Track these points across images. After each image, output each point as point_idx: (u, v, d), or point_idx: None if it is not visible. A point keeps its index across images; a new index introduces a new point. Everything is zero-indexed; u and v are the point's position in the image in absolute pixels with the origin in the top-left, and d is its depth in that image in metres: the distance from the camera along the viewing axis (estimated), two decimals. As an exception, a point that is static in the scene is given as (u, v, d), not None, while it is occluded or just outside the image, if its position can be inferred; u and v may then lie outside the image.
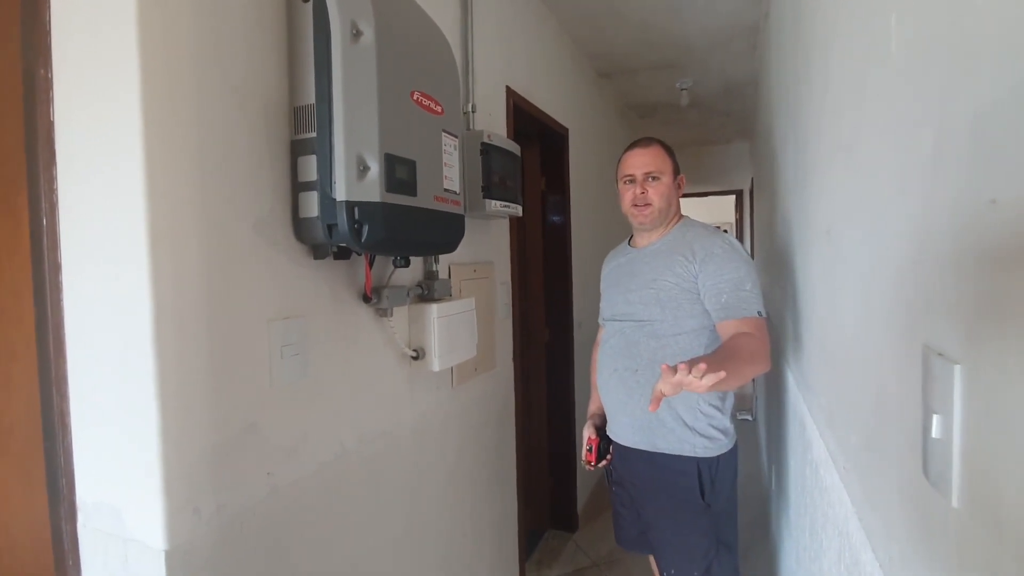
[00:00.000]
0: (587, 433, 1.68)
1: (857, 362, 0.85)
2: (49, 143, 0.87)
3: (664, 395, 1.00)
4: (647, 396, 1.46)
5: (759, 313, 1.35)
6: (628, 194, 1.54)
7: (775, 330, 2.20)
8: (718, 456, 1.44)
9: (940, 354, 0.48)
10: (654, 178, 1.50)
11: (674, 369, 0.96)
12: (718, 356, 1.18)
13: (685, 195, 7.56)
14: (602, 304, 1.68)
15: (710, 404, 1.45)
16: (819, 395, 1.22)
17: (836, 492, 0.96)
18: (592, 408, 1.75)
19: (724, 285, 1.37)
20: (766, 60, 2.68)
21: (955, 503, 0.45)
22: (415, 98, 1.10)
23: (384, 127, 1.00)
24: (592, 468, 1.66)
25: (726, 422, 1.47)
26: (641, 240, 1.59)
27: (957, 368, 0.44)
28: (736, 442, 1.49)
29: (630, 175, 1.53)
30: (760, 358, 1.28)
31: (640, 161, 1.52)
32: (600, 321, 1.70)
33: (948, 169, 0.49)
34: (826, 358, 1.13)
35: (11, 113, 0.88)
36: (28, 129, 0.88)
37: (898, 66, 0.64)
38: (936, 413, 0.47)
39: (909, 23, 0.60)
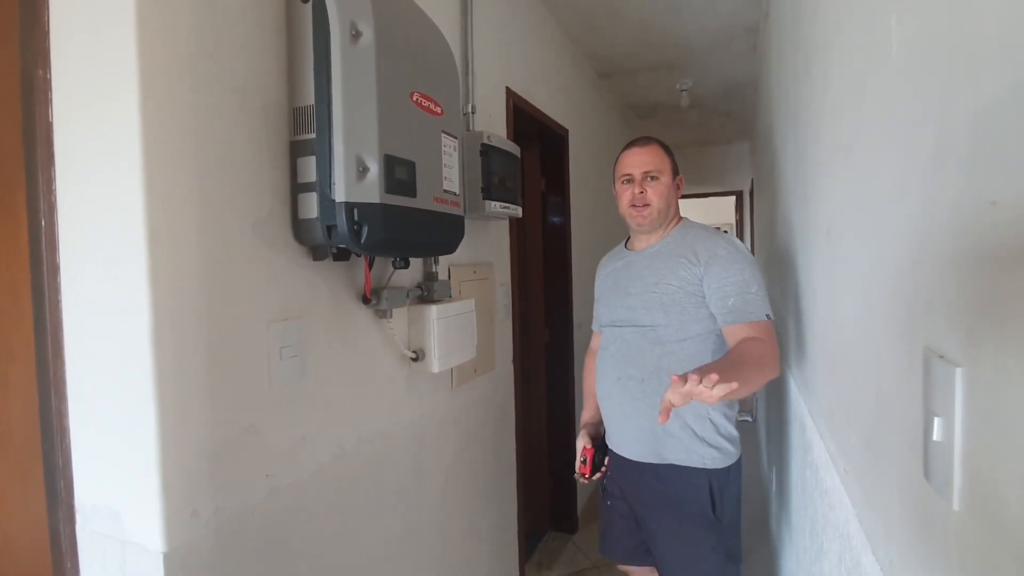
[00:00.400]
0: (581, 443, 1.59)
1: (857, 363, 0.84)
2: (48, 144, 0.87)
3: (673, 406, 0.97)
4: (653, 406, 1.40)
5: (767, 316, 1.31)
6: (626, 194, 1.47)
7: (777, 332, 2.20)
8: (727, 467, 1.40)
9: (941, 356, 0.47)
10: (653, 178, 1.45)
11: (684, 378, 0.93)
12: (727, 364, 1.15)
13: (685, 196, 7.53)
14: (599, 310, 1.62)
15: (719, 412, 1.41)
16: (819, 396, 1.21)
17: (837, 494, 0.96)
18: (586, 417, 1.67)
19: (730, 288, 1.32)
20: (766, 61, 2.68)
21: (956, 506, 0.45)
22: (414, 99, 1.10)
23: (383, 128, 1.00)
24: (587, 481, 1.56)
25: (733, 430, 1.43)
26: (639, 243, 1.53)
27: (958, 371, 0.44)
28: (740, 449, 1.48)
29: (628, 175, 1.48)
30: (769, 364, 1.24)
31: (638, 160, 1.47)
32: (596, 327, 1.65)
33: (948, 170, 0.49)
34: (826, 359, 1.13)
35: (10, 114, 0.88)
36: (27, 130, 0.88)
37: (898, 67, 0.64)
38: (937, 416, 0.47)
39: (909, 24, 0.60)
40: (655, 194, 1.44)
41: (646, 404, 1.43)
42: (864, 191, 0.81)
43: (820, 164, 1.20)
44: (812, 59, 1.31)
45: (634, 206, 1.46)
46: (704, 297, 1.36)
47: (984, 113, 0.42)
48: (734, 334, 1.31)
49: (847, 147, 0.92)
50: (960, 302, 0.47)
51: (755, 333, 1.28)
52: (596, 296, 1.64)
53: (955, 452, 0.44)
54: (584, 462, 1.55)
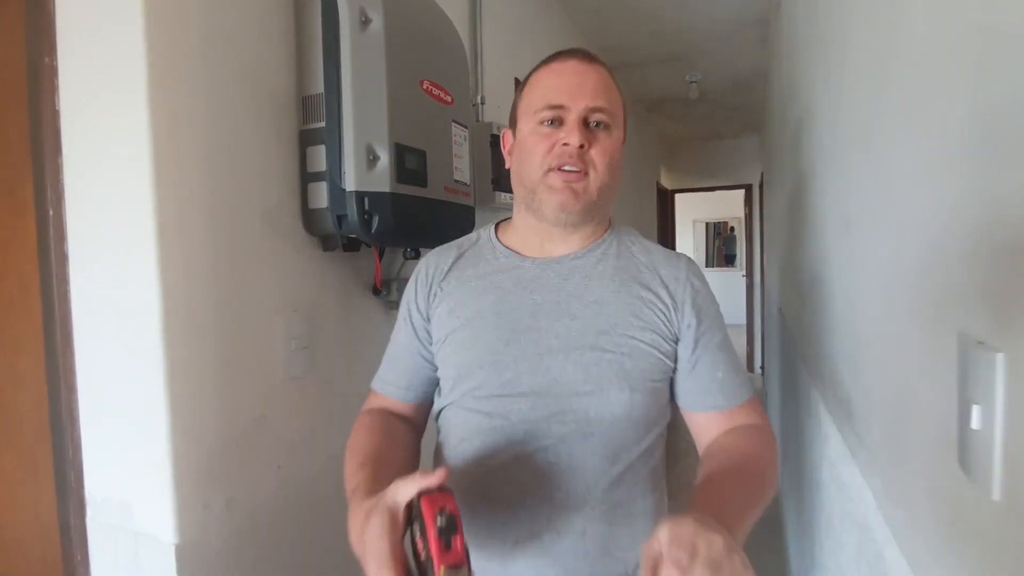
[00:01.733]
0: (400, 496, 0.60)
1: (880, 355, 0.83)
2: (55, 132, 0.86)
3: None
4: None
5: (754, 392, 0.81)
6: (546, 143, 0.74)
7: (789, 328, 2.17)
8: None
9: (980, 342, 0.46)
10: (601, 124, 0.75)
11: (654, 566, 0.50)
12: (739, 502, 0.64)
13: (693, 190, 7.39)
14: (444, 359, 0.79)
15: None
16: (837, 390, 1.19)
17: (856, 487, 0.94)
18: (369, 485, 0.74)
19: (720, 353, 0.77)
20: (777, 51, 2.65)
21: (996, 496, 0.43)
22: (425, 87, 1.08)
23: (394, 116, 0.99)
24: None
25: None
26: (542, 242, 0.80)
27: (999, 356, 0.42)
28: None
29: (557, 107, 0.73)
30: (776, 474, 0.75)
31: (581, 84, 0.74)
32: (396, 393, 0.85)
33: (982, 152, 0.47)
34: (845, 353, 1.11)
35: (16, 102, 0.87)
36: (33, 118, 0.87)
37: (925, 49, 0.62)
38: (976, 403, 0.45)
39: (937, 3, 0.58)
40: (602, 155, 0.74)
41: None
42: (886, 179, 0.79)
43: (836, 154, 1.18)
44: (828, 47, 1.28)
45: (562, 170, 0.73)
46: (673, 362, 0.77)
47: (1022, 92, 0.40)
48: (720, 424, 0.76)
49: (866, 135, 0.90)
50: (998, 287, 0.45)
51: (753, 418, 0.78)
52: (433, 333, 0.81)
53: (995, 441, 0.43)
54: (444, 528, 0.55)
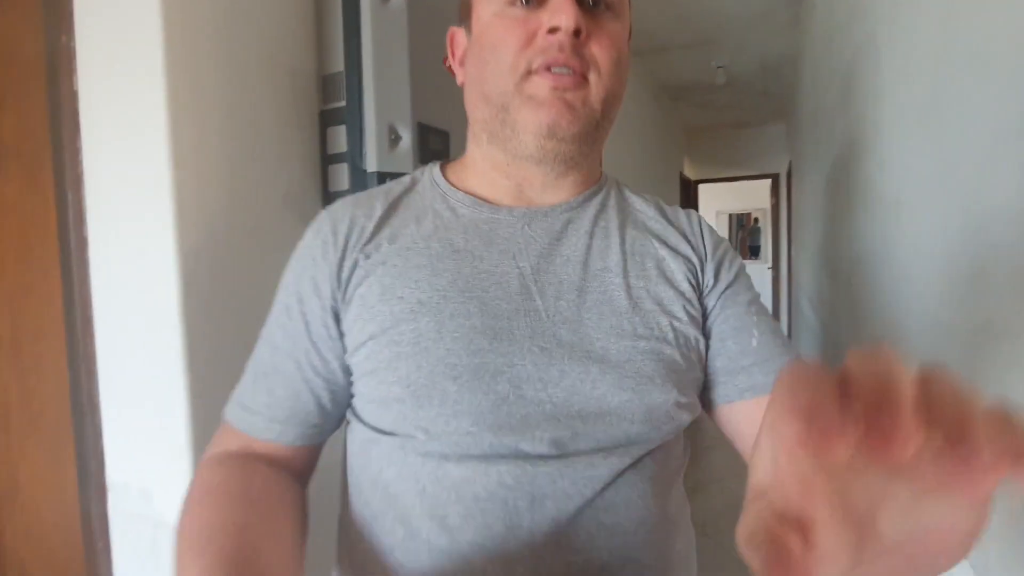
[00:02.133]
0: None
1: (941, 339, 0.77)
2: (73, 114, 0.84)
3: None
4: None
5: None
6: (521, 31, 0.48)
7: (821, 318, 2.10)
8: None
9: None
10: (601, 3, 0.50)
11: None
12: None
13: (716, 180, 7.28)
14: (388, 368, 0.49)
15: None
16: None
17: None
18: None
19: (754, 317, 0.56)
20: (810, 33, 2.56)
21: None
22: (448, 65, 1.04)
23: (416, 95, 0.95)
24: None
25: None
26: (523, 187, 0.56)
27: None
28: None
29: None
30: None
31: None
32: (270, 432, 0.54)
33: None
34: (892, 340, 1.05)
35: (34, 83, 0.86)
36: (51, 99, 0.85)
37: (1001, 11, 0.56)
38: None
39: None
40: (607, 49, 0.50)
41: None
42: (949, 154, 0.73)
43: (886, 131, 1.11)
44: (877, 24, 1.21)
45: (548, 69, 0.48)
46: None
47: None
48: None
49: (925, 107, 0.84)
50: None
51: None
52: (350, 331, 0.51)
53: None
54: None
